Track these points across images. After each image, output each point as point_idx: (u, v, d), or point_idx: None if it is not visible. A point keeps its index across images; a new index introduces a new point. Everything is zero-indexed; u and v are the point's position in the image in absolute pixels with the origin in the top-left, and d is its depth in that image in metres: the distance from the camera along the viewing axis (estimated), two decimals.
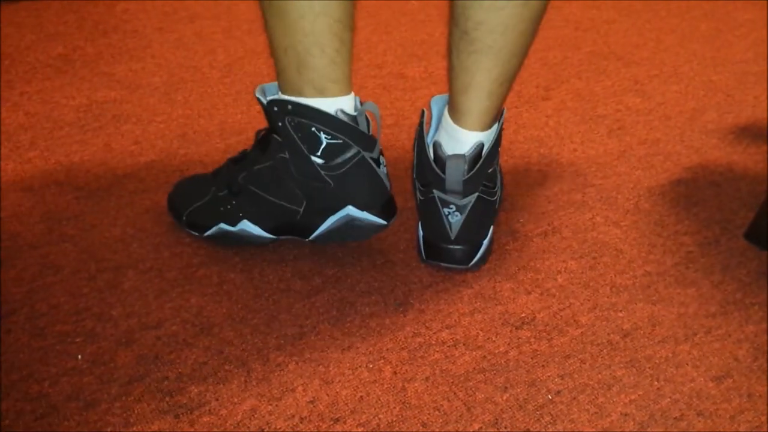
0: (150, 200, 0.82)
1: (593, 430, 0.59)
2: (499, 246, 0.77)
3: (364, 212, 0.70)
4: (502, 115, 0.73)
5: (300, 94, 0.66)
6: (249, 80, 1.06)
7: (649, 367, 0.64)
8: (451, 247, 0.72)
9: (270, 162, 0.70)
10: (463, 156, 0.69)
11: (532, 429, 0.59)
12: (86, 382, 0.61)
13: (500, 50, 0.65)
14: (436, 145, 0.72)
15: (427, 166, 0.71)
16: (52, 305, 0.68)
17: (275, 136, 0.69)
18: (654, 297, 0.71)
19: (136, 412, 0.59)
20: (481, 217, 0.72)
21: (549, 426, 0.59)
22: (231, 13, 1.26)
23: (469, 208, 0.70)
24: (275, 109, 0.67)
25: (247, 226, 0.72)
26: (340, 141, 0.67)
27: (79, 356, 0.63)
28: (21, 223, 0.78)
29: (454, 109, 0.70)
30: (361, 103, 0.70)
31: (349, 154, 0.68)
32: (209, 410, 0.59)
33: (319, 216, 0.71)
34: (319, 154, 0.67)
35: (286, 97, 0.67)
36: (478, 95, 0.68)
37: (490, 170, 0.72)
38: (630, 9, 1.30)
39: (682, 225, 0.81)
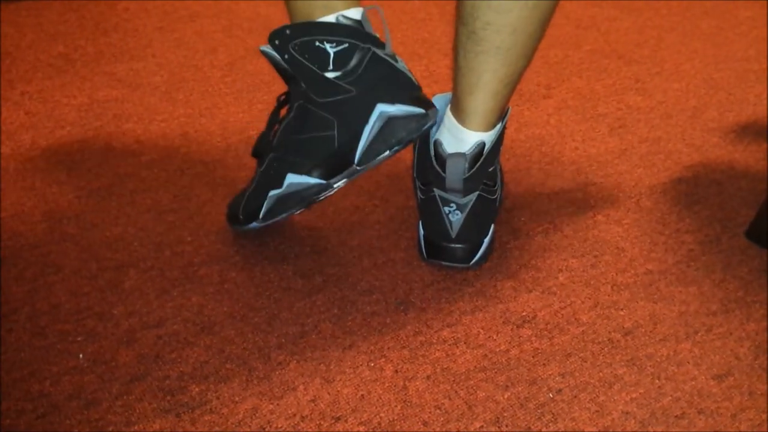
0: (151, 199, 0.82)
1: (594, 428, 0.59)
2: (500, 244, 0.77)
3: (396, 105, 0.66)
4: (506, 114, 0.72)
5: (310, 17, 0.65)
6: (250, 79, 1.06)
7: (650, 366, 0.64)
8: (452, 245, 0.71)
9: (293, 111, 0.69)
10: (463, 154, 0.69)
11: (533, 427, 0.59)
12: (87, 381, 0.61)
13: (508, 51, 0.65)
14: (437, 144, 0.71)
15: (428, 164, 0.70)
16: (53, 304, 0.69)
17: (291, 82, 0.68)
18: (655, 295, 0.71)
19: (137, 411, 0.59)
20: (481, 216, 0.72)
21: (550, 424, 0.59)
22: (231, 11, 1.26)
23: (469, 206, 0.70)
24: (277, 42, 0.66)
25: (292, 179, 0.68)
26: (347, 45, 0.65)
27: (81, 355, 0.63)
28: (22, 222, 0.79)
29: (458, 109, 0.70)
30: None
31: (360, 55, 0.65)
32: (210, 409, 0.59)
33: (355, 130, 0.66)
34: (331, 68, 0.65)
35: (285, 27, 0.66)
36: (485, 96, 0.68)
37: (490, 169, 0.72)
38: (631, 7, 1.30)
39: (684, 223, 0.81)
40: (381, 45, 0.68)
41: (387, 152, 0.68)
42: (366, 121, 0.67)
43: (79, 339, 0.65)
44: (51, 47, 1.13)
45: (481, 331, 0.67)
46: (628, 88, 1.06)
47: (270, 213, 0.71)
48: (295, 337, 0.66)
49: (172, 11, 1.25)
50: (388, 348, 0.65)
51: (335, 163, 0.68)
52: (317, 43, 0.65)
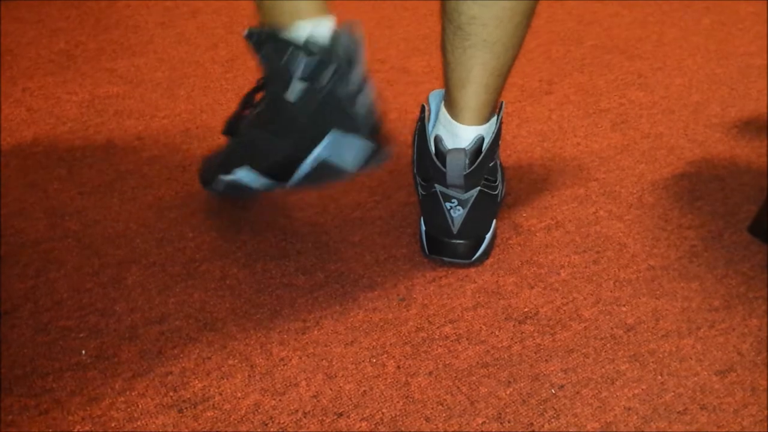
0: (153, 196, 0.82)
1: (597, 424, 0.59)
2: (502, 240, 0.77)
3: (350, 135, 0.64)
4: (501, 108, 0.72)
5: (277, 20, 0.64)
6: (251, 75, 1.06)
7: (652, 362, 0.64)
8: (454, 241, 0.71)
9: (265, 102, 0.69)
10: (463, 150, 0.69)
11: (535, 423, 0.59)
12: (90, 377, 0.61)
13: (495, 43, 0.65)
14: (437, 140, 0.71)
15: (429, 160, 0.70)
16: (55, 301, 0.69)
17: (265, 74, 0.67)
18: (657, 291, 0.71)
19: (139, 406, 0.59)
20: (483, 212, 0.72)
21: (552, 420, 0.59)
22: (232, 7, 1.26)
23: (471, 202, 0.70)
24: (253, 40, 0.65)
25: (241, 172, 0.69)
26: (316, 63, 0.63)
27: (83, 351, 0.63)
28: (24, 218, 0.79)
29: (451, 104, 0.70)
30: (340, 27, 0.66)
31: (328, 75, 0.63)
32: (213, 405, 0.60)
33: (306, 148, 0.65)
34: (301, 77, 0.63)
35: (259, 28, 0.65)
36: (476, 89, 0.68)
37: (491, 164, 0.72)
38: (633, 2, 1.30)
39: (686, 219, 0.80)
40: (352, 65, 0.64)
41: (321, 179, 0.67)
42: (318, 143, 0.65)
43: (81, 335, 0.65)
44: (52, 43, 1.12)
45: (483, 327, 0.67)
46: (631, 83, 1.06)
47: (220, 192, 0.77)
48: (297, 333, 0.66)
49: (174, 7, 1.25)
50: (390, 344, 0.65)
51: (272, 167, 0.68)
52: (289, 52, 0.64)
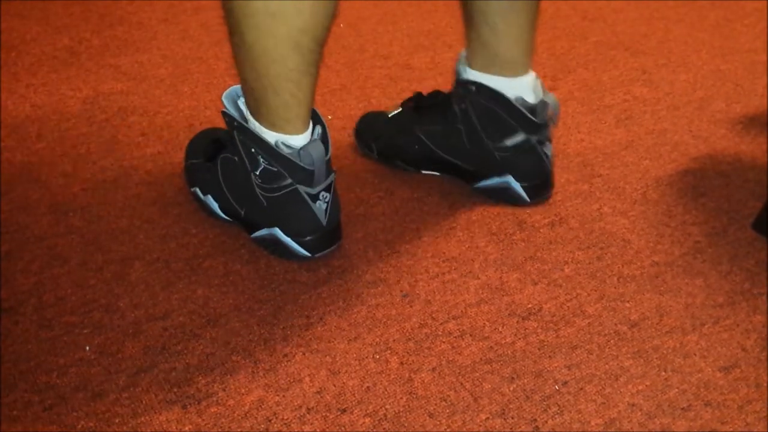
0: (156, 192, 0.82)
1: (600, 420, 0.59)
2: (506, 236, 0.77)
3: (289, 238, 0.72)
4: None
5: (256, 118, 0.69)
6: None
7: (656, 358, 0.64)
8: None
9: (232, 156, 0.73)
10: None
11: (538, 419, 0.59)
12: (94, 373, 0.61)
13: None
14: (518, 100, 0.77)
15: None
16: (59, 297, 0.69)
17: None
18: (661, 287, 0.71)
19: (143, 402, 0.59)
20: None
21: (556, 416, 0.59)
22: None
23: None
24: (226, 119, 0.71)
25: (209, 201, 0.77)
26: (275, 169, 0.69)
27: (87, 347, 0.64)
28: (28, 214, 0.79)
29: (506, 66, 0.76)
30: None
31: (283, 183, 0.70)
32: (216, 401, 0.60)
33: (254, 223, 0.74)
34: (258, 173, 0.70)
35: (234, 115, 0.70)
36: (527, 40, 0.77)
37: None
38: None
39: (690, 215, 0.80)
40: (310, 178, 0.70)
41: (270, 251, 0.74)
42: (263, 229, 0.73)
43: (85, 331, 0.65)
44: (56, 40, 1.13)
45: (487, 323, 0.67)
46: (635, 79, 1.06)
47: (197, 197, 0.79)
48: (301, 329, 0.66)
49: (177, 4, 1.25)
50: (394, 340, 0.65)
51: (237, 219, 0.76)
52: (253, 150, 0.70)
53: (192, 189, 0.79)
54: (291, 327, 0.66)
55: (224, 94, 0.72)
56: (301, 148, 0.69)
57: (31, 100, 0.98)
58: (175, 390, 0.60)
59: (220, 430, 0.57)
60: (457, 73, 0.79)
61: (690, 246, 0.76)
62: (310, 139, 0.70)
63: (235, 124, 0.70)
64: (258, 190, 0.71)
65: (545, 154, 0.79)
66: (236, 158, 0.73)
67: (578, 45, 1.14)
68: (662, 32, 1.19)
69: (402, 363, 0.63)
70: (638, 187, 0.84)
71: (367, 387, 0.61)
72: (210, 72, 1.05)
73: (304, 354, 0.64)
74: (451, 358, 0.64)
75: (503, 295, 0.70)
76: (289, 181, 0.69)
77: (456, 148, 0.80)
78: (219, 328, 0.66)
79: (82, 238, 0.76)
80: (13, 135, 0.91)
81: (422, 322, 0.67)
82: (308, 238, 0.72)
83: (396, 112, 0.87)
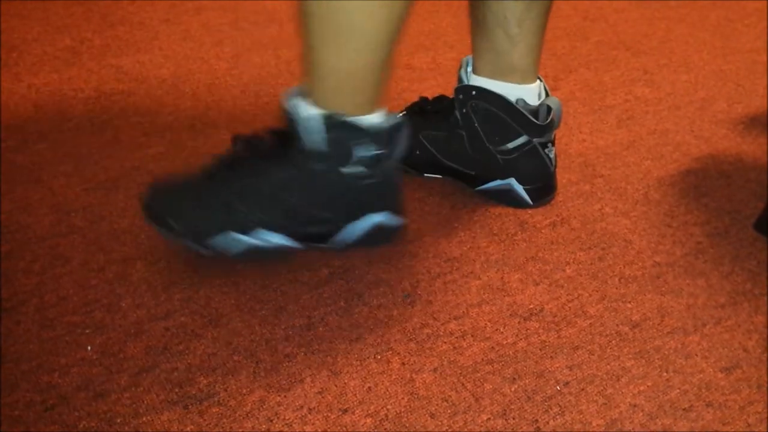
0: None
1: (602, 421, 0.59)
2: (508, 236, 0.77)
3: (391, 214, 0.73)
4: None
5: (342, 107, 0.67)
6: (256, 72, 1.06)
7: (658, 358, 0.64)
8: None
9: (292, 170, 0.68)
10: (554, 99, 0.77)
11: (540, 420, 0.59)
12: (96, 373, 0.61)
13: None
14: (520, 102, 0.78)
15: (521, 116, 0.75)
16: (61, 297, 0.69)
17: (302, 142, 0.67)
18: (663, 288, 0.71)
19: (145, 402, 0.59)
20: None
21: (557, 417, 0.59)
22: (238, 4, 1.25)
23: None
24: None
25: (265, 234, 0.69)
26: (381, 152, 0.68)
27: (89, 347, 0.64)
28: (29, 214, 0.79)
29: (516, 73, 0.76)
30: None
31: (381, 164, 0.69)
32: (218, 401, 0.60)
33: (342, 222, 0.71)
34: (362, 163, 0.68)
35: (343, 113, 0.67)
36: (539, 47, 0.77)
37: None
38: None
39: (692, 216, 0.80)
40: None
41: (360, 248, 0.73)
42: (360, 219, 0.71)
43: (87, 331, 0.65)
44: (58, 40, 1.13)
45: (488, 323, 0.67)
46: (636, 79, 1.06)
47: (216, 245, 0.69)
48: (302, 329, 0.66)
49: (179, 4, 1.25)
50: (395, 340, 0.65)
51: (309, 236, 0.72)
52: (352, 141, 0.67)
53: (232, 235, 0.68)
54: (292, 327, 0.66)
55: (288, 99, 0.67)
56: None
57: (33, 100, 0.98)
58: (177, 390, 0.60)
59: (221, 430, 0.58)
60: (460, 79, 0.79)
61: (692, 246, 0.76)
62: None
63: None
64: (365, 179, 0.69)
65: (548, 156, 0.79)
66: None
67: (579, 45, 1.14)
68: (663, 32, 1.19)
69: (403, 363, 0.63)
70: (640, 188, 0.84)
71: (369, 387, 0.61)
72: (211, 72, 1.05)
73: (305, 354, 0.64)
74: (452, 359, 0.64)
75: (505, 296, 0.70)
76: (388, 157, 0.69)
77: (458, 154, 0.81)
78: (221, 328, 0.66)
79: (84, 238, 0.76)
80: (16, 135, 0.92)
81: (424, 323, 0.67)
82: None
83: (400, 116, 0.86)
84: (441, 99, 0.85)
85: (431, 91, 1.01)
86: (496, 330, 0.67)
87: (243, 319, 0.67)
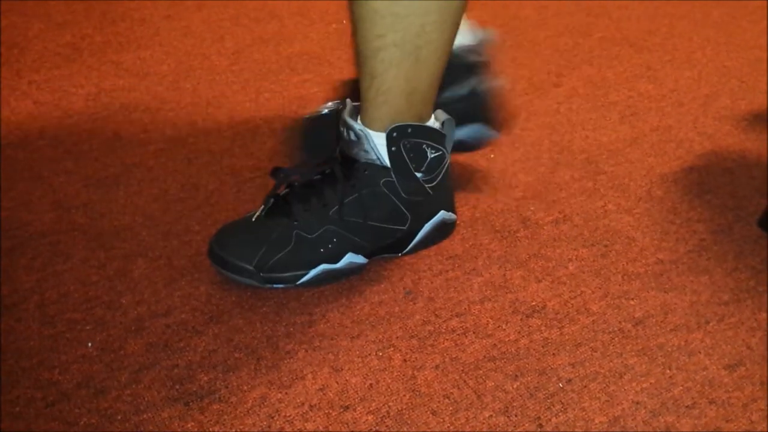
0: (159, 188, 0.82)
1: (604, 418, 0.59)
2: (510, 233, 0.76)
3: (450, 212, 0.75)
4: None
5: (418, 119, 0.68)
6: (257, 68, 1.06)
7: (661, 356, 0.64)
8: None
9: (363, 191, 0.69)
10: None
11: (542, 417, 0.59)
12: (96, 370, 0.61)
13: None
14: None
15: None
16: (62, 293, 0.69)
17: (365, 163, 0.68)
18: (666, 285, 0.71)
19: (146, 399, 0.59)
20: None
21: (560, 414, 0.59)
22: (239, 1, 1.25)
23: None
24: (395, 135, 0.67)
25: (352, 258, 0.70)
26: (441, 152, 0.70)
27: (89, 344, 0.63)
28: (30, 211, 0.79)
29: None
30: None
31: (444, 163, 0.71)
32: (219, 398, 0.59)
33: (417, 228, 0.73)
34: (423, 169, 0.70)
35: (407, 123, 0.67)
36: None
37: None
38: None
39: (695, 212, 0.80)
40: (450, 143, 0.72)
41: (423, 247, 0.74)
42: (428, 221, 0.73)
43: (87, 328, 0.65)
44: (58, 37, 1.12)
45: (490, 320, 0.67)
46: (640, 76, 1.05)
47: (311, 282, 0.69)
48: (304, 326, 0.66)
49: (179, 1, 1.24)
50: (397, 337, 0.65)
51: (386, 247, 0.72)
52: (424, 146, 0.69)
53: (304, 278, 0.68)
54: (294, 324, 0.66)
55: (354, 123, 0.67)
56: (443, 121, 0.70)
57: (34, 97, 0.98)
58: (178, 387, 0.60)
59: (222, 427, 0.57)
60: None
61: (695, 243, 0.76)
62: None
63: (410, 130, 0.67)
64: (426, 185, 0.70)
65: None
66: (391, 177, 0.68)
67: (582, 41, 1.14)
68: (667, 29, 1.18)
69: (405, 360, 0.63)
70: (643, 184, 0.84)
71: (370, 384, 0.61)
72: (212, 68, 1.05)
73: (306, 351, 0.64)
74: (454, 356, 0.63)
75: (507, 293, 0.70)
76: (447, 157, 0.71)
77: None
78: (221, 325, 0.66)
79: (85, 235, 0.75)
80: (15, 132, 0.91)
81: (425, 320, 0.67)
82: (454, 203, 0.76)
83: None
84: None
85: None
86: (498, 327, 0.66)
87: (244, 316, 0.67)
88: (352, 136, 0.68)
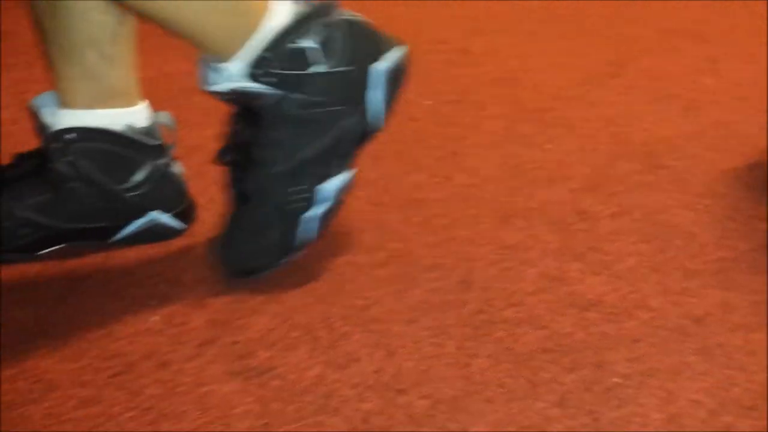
0: (216, 171, 0.84)
1: (662, 415, 0.58)
2: (566, 226, 0.76)
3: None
4: None
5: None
6: None
7: (720, 355, 0.63)
8: None
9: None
10: None
11: (598, 411, 0.58)
12: (161, 343, 0.63)
13: None
14: None
15: None
16: (126, 270, 0.71)
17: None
18: (727, 283, 0.69)
19: (208, 372, 0.61)
20: None
21: (616, 409, 0.59)
22: None
23: None
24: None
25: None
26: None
27: (154, 318, 0.66)
28: None
29: (121, 97, 0.70)
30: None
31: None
32: (278, 375, 0.61)
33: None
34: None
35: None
36: (135, 65, 0.71)
37: None
38: None
39: (757, 210, 0.78)
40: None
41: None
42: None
43: (152, 302, 0.67)
44: None
45: (546, 312, 0.67)
46: (702, 68, 1.02)
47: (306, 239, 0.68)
48: (359, 310, 0.67)
49: None
50: (450, 325, 0.66)
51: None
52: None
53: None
54: (349, 307, 0.67)
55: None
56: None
57: None
58: (238, 362, 0.62)
59: (281, 404, 0.59)
60: (46, 125, 0.67)
61: (757, 242, 0.74)
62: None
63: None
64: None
65: (179, 174, 0.73)
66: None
67: (642, 32, 1.11)
68: (730, 20, 1.15)
69: (459, 348, 0.63)
70: (704, 180, 0.82)
71: (424, 370, 0.62)
72: None
73: (361, 334, 0.65)
74: (508, 346, 0.64)
75: (563, 285, 0.69)
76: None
77: (80, 212, 0.69)
78: (279, 305, 0.67)
79: None
80: None
81: (479, 309, 0.67)
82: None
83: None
84: (21, 159, 0.71)
85: (488, 76, 1.00)
86: (554, 319, 0.66)
87: (301, 297, 0.68)
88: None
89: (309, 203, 0.67)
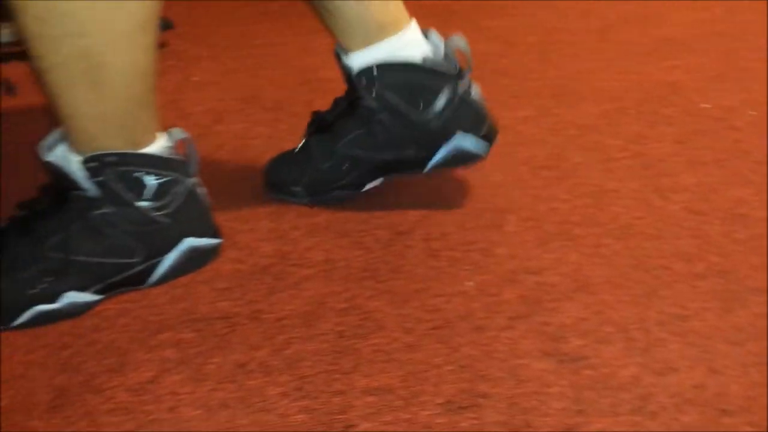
0: (527, 153, 0.85)
1: None
2: None
3: (202, 238, 0.69)
4: None
5: (131, 145, 0.64)
6: (622, 48, 1.04)
7: None
8: None
9: (82, 222, 0.65)
10: None
11: None
12: (475, 308, 0.67)
13: None
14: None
15: None
16: (443, 232, 0.76)
17: (76, 192, 0.64)
18: None
19: (521, 346, 0.63)
20: None
21: None
22: None
23: None
24: (95, 164, 0.63)
25: (73, 297, 0.64)
26: (170, 178, 0.66)
27: (469, 283, 0.69)
28: None
29: (388, 26, 0.71)
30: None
31: (181, 188, 0.67)
32: (590, 365, 0.61)
33: (159, 258, 0.68)
34: (148, 197, 0.65)
35: (108, 151, 0.63)
36: None
37: None
38: None
39: None
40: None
41: (182, 274, 0.69)
42: (172, 250, 0.68)
43: (466, 268, 0.71)
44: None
45: None
46: None
47: (25, 325, 0.64)
48: (676, 319, 0.64)
49: None
50: None
51: (124, 281, 0.67)
52: (135, 174, 0.65)
53: (17, 321, 0.64)
54: (665, 314, 0.65)
55: (47, 151, 0.64)
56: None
57: None
58: (551, 344, 0.63)
59: (594, 393, 0.59)
60: (347, 69, 0.73)
61: None
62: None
63: (111, 159, 0.63)
64: (156, 215, 0.66)
65: (479, 98, 0.74)
66: (107, 209, 0.64)
67: None
68: None
69: None
70: None
71: (751, 396, 0.57)
72: (577, 43, 1.06)
73: (680, 344, 0.62)
74: None
75: None
76: (183, 181, 0.67)
77: (389, 142, 0.74)
78: (591, 296, 0.67)
79: (464, 187, 0.82)
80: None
81: None
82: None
83: (301, 144, 0.78)
84: (336, 103, 0.77)
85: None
86: None
87: (613, 293, 0.67)
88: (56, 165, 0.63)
89: (53, 298, 0.64)
